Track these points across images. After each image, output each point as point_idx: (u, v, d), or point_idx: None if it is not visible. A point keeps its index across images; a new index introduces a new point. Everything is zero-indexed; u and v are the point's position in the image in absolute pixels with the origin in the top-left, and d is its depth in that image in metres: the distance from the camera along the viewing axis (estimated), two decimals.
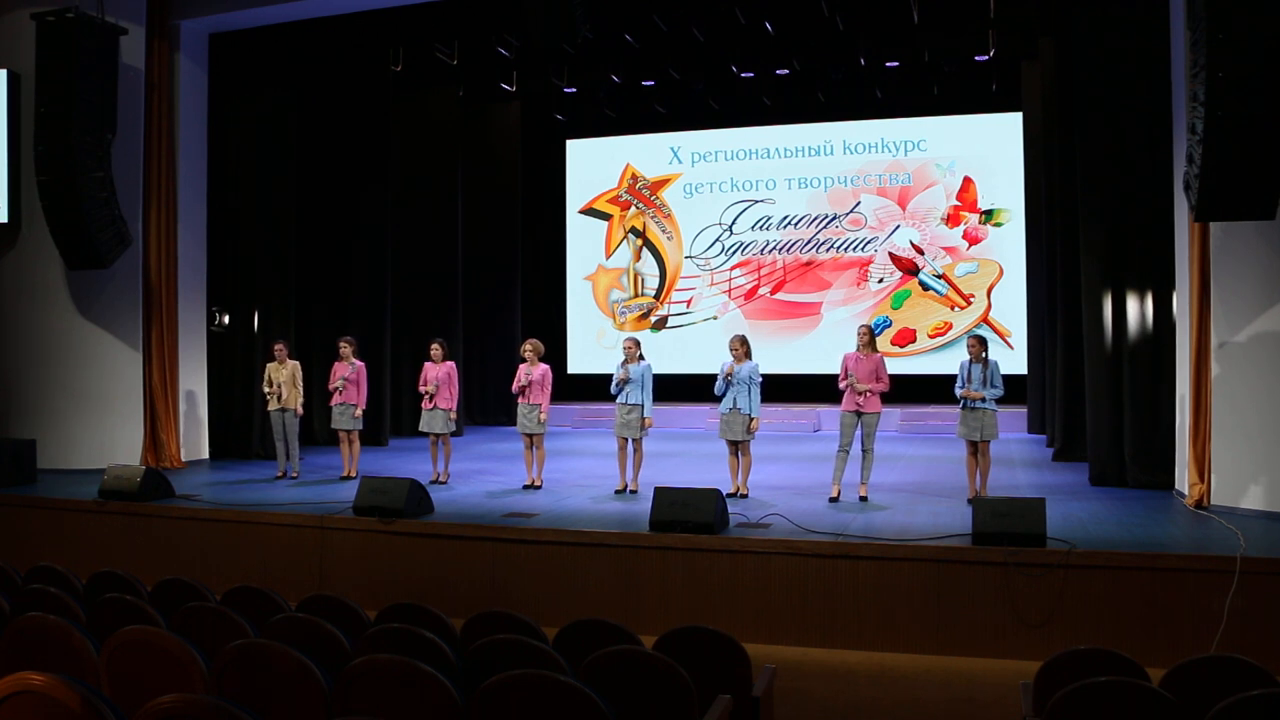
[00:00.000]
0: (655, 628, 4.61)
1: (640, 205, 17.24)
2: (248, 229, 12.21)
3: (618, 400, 8.97)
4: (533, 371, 9.32)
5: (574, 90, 15.35)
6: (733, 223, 16.68)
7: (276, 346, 10.10)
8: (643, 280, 17.21)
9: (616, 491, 9.04)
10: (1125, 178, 9.36)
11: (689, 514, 6.95)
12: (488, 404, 16.37)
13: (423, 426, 9.84)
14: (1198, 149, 6.62)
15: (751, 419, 8.58)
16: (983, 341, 8.39)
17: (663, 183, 17.13)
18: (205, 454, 11.66)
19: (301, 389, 10.04)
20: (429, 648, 3.56)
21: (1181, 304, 8.63)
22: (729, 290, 16.69)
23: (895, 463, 10.97)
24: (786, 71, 14.37)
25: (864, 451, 8.51)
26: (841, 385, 8.46)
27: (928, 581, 6.43)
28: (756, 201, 16.57)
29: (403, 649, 3.43)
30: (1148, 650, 5.52)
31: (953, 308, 15.61)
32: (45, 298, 10.57)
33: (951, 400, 8.68)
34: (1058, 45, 11.56)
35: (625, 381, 8.89)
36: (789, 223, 16.39)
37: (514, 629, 4.02)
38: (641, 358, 9.01)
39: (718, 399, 8.73)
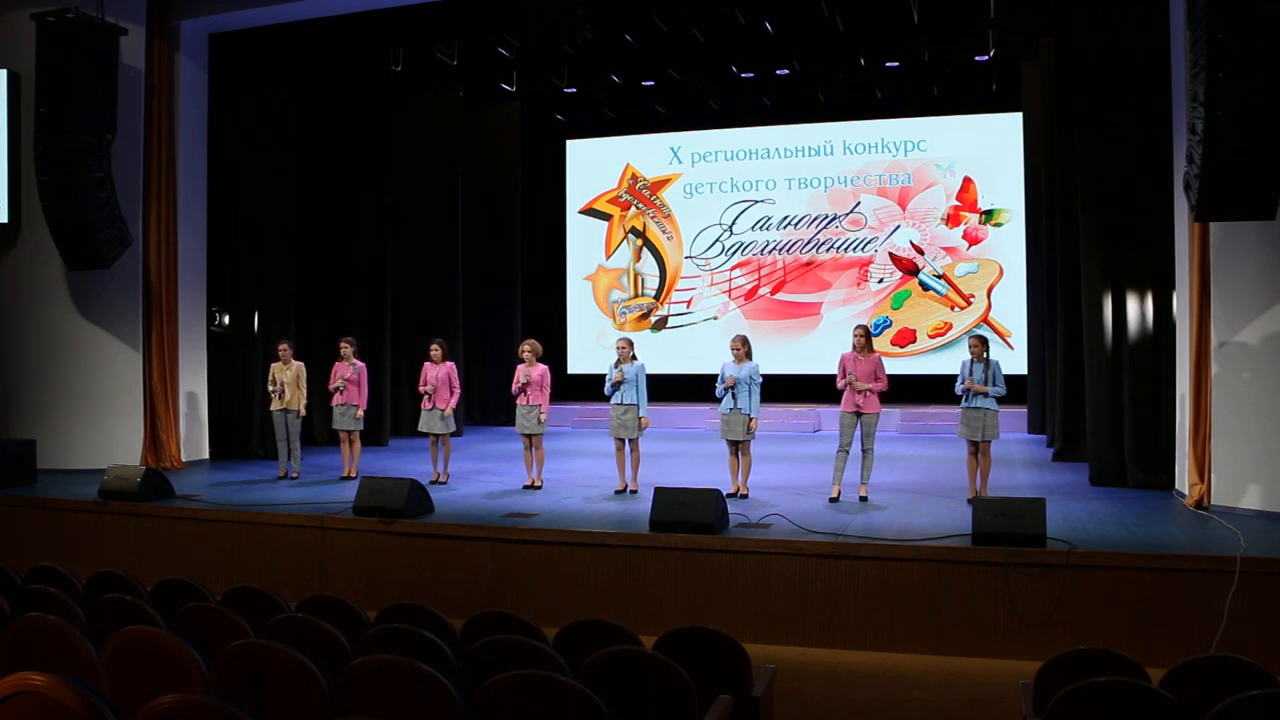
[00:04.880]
0: (655, 628, 4.61)
1: (640, 205, 17.24)
2: (248, 229, 12.20)
3: (612, 401, 8.98)
4: (531, 372, 9.32)
5: (574, 90, 15.33)
6: (733, 223, 16.68)
7: (281, 346, 10.08)
8: (643, 280, 17.21)
9: (616, 492, 9.04)
10: (1125, 178, 9.37)
11: (689, 514, 6.95)
12: (488, 404, 16.37)
13: (422, 427, 9.84)
14: (1198, 149, 6.62)
15: (751, 419, 8.58)
16: (984, 341, 8.39)
17: (663, 183, 17.13)
18: (205, 454, 11.66)
19: (305, 390, 10.04)
20: (429, 648, 3.56)
21: (1181, 304, 8.63)
22: (729, 290, 16.68)
23: (895, 463, 10.97)
24: (786, 71, 14.35)
25: (864, 451, 8.51)
26: (840, 385, 8.47)
27: (928, 581, 6.43)
28: (756, 202, 16.57)
29: (403, 649, 3.43)
30: (1148, 650, 5.53)
31: (953, 308, 15.61)
32: (45, 298, 10.58)
33: (951, 400, 8.68)
34: (1058, 45, 11.55)
35: (620, 382, 8.90)
36: (789, 223, 16.38)
37: (514, 629, 4.02)
38: (635, 358, 9.01)
39: (718, 399, 8.75)
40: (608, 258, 17.45)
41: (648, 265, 17.19)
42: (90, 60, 9.79)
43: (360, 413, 10.07)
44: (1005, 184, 15.26)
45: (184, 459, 11.10)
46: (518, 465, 10.23)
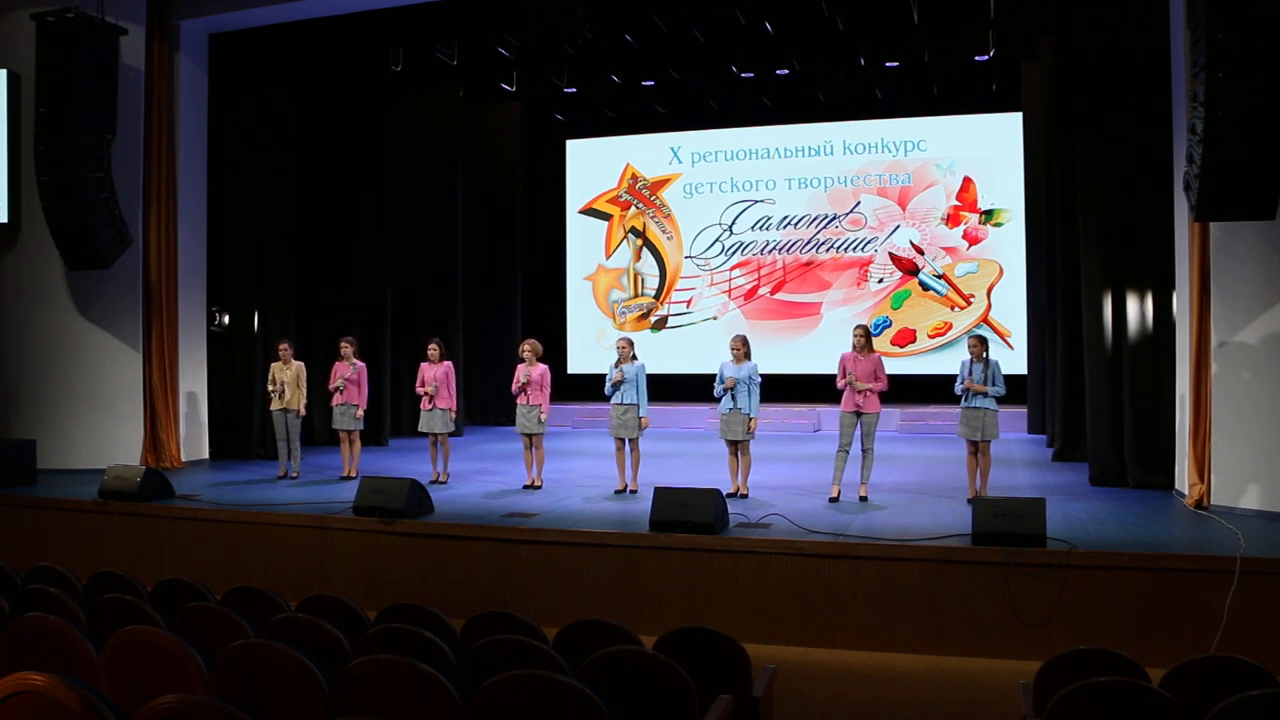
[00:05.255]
0: (655, 628, 4.61)
1: (640, 205, 17.24)
2: (248, 229, 12.20)
3: (612, 401, 8.98)
4: (531, 372, 9.32)
5: (574, 90, 15.33)
6: (733, 223, 16.68)
7: (281, 346, 10.08)
8: (643, 280, 17.21)
9: (616, 492, 9.04)
10: (1125, 178, 9.36)
11: (689, 514, 6.95)
12: (488, 404, 16.37)
13: (422, 427, 9.85)
14: (1198, 149, 6.62)
15: (751, 419, 8.59)
16: (983, 341, 8.39)
17: (663, 183, 17.13)
18: (205, 454, 11.66)
19: (305, 390, 10.04)
20: (429, 648, 3.56)
21: (1181, 304, 8.63)
22: (729, 290, 16.68)
23: (895, 463, 10.97)
24: (786, 71, 14.35)
25: (864, 451, 8.51)
26: (840, 385, 8.47)
27: (928, 581, 6.43)
28: (756, 201, 16.57)
29: (403, 649, 3.43)
30: (1148, 650, 5.53)
31: (953, 308, 15.61)
32: (45, 298, 10.58)
33: (951, 400, 8.68)
34: (1058, 45, 11.56)
35: (620, 382, 8.90)
36: (789, 223, 16.38)
37: (514, 629, 4.02)
38: (635, 358, 9.02)
39: (716, 400, 8.75)
40: (608, 258, 17.45)
41: (648, 265, 17.19)
42: (90, 60, 9.79)
43: (360, 412, 10.07)
44: (1005, 184, 15.26)
45: (184, 459, 11.10)
46: (518, 465, 10.23)
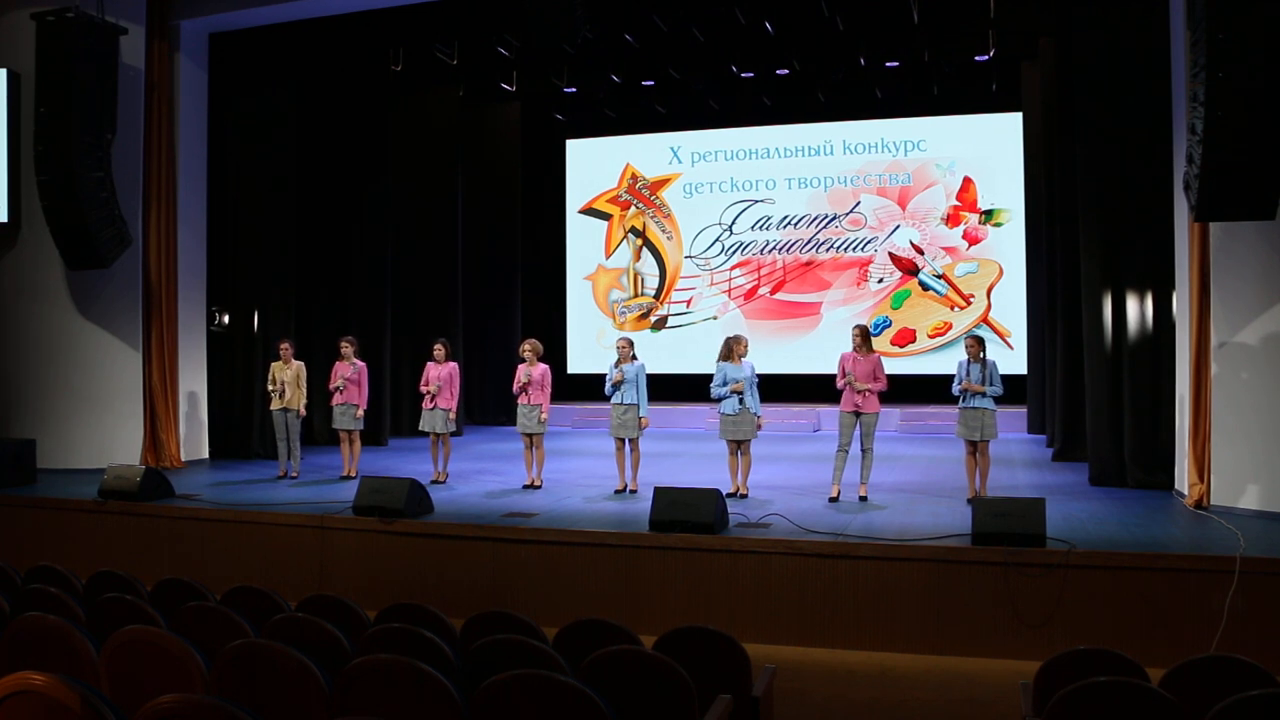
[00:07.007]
0: (655, 628, 4.60)
1: (640, 205, 17.24)
2: (248, 229, 12.20)
3: (612, 401, 8.98)
4: (532, 371, 9.33)
5: (574, 90, 15.34)
6: (733, 223, 16.68)
7: (282, 345, 10.09)
8: (643, 280, 17.21)
9: (616, 491, 9.04)
10: (1125, 178, 9.36)
11: (689, 514, 6.95)
12: (488, 404, 16.37)
13: (423, 426, 9.85)
14: (1198, 149, 6.62)
15: (758, 417, 8.61)
16: (981, 342, 8.39)
17: (663, 183, 17.13)
18: (205, 454, 11.66)
19: (305, 390, 10.04)
20: (429, 648, 3.56)
21: (1181, 304, 8.64)
22: (729, 290, 16.69)
23: (895, 463, 10.96)
24: (786, 71, 14.36)
25: (863, 451, 8.51)
26: (840, 385, 8.47)
27: (928, 581, 6.43)
28: (756, 201, 16.57)
29: (403, 649, 3.43)
30: (1148, 650, 5.51)
31: (952, 308, 15.61)
32: (45, 298, 10.58)
33: (951, 400, 8.69)
34: (1058, 45, 11.56)
35: (620, 382, 8.90)
36: (789, 223, 16.39)
37: (514, 629, 4.02)
38: (635, 358, 9.02)
39: (714, 400, 8.75)
40: (608, 257, 17.45)
41: (648, 265, 17.19)
42: (90, 60, 9.79)
43: (360, 412, 10.07)
44: (1005, 184, 15.27)
45: (184, 459, 11.10)
46: (518, 465, 10.23)
